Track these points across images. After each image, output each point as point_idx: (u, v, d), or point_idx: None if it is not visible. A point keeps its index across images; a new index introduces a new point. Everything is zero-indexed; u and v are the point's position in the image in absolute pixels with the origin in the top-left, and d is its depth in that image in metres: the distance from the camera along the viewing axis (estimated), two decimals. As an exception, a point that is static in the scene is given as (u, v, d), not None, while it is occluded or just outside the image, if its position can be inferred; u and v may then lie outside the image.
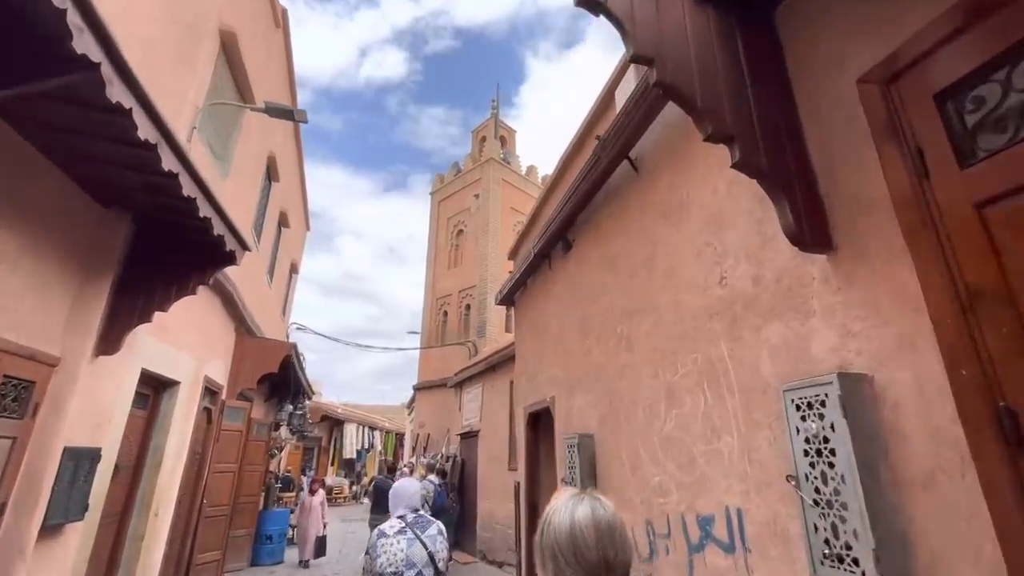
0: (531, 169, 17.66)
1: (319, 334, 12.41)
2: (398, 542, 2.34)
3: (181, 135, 3.99)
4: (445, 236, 16.84)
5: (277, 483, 12.92)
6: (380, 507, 7.74)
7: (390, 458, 29.39)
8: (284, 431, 12.09)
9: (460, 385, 11.71)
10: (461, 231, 16.45)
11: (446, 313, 15.93)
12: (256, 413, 9.12)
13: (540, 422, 4.70)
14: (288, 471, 11.66)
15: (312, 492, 9.09)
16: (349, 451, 22.60)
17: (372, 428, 25.92)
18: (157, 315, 4.25)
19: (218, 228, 3.42)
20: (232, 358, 6.92)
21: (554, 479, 4.62)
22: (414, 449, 15.12)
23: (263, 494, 9.38)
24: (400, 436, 31.51)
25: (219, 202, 3.31)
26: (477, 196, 15.93)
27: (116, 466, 4.14)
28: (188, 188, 2.94)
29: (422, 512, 2.53)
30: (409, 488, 2.58)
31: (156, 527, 4.70)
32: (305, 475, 21.62)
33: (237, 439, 7.18)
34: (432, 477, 9.08)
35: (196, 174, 2.97)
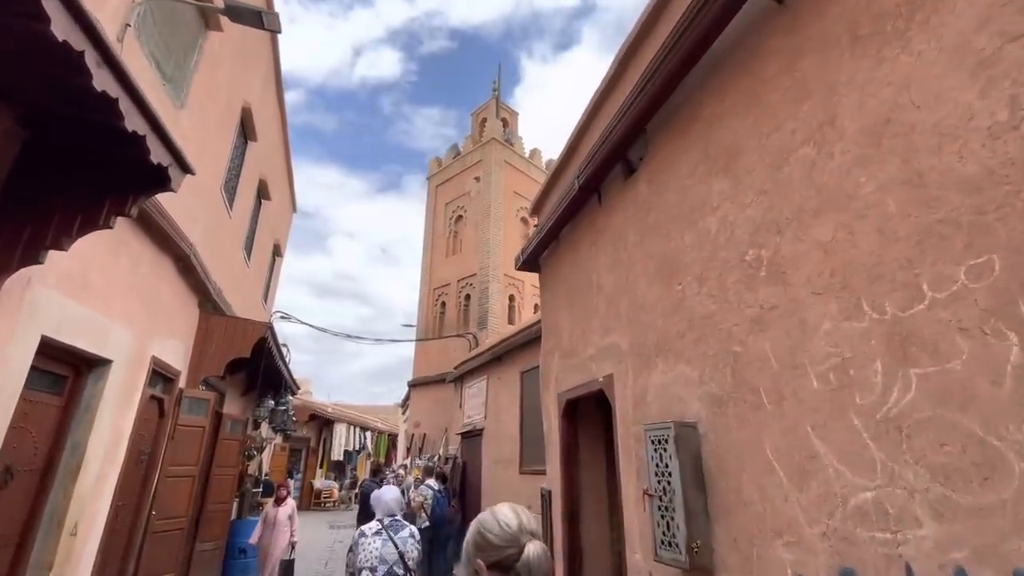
0: (535, 152, 16.60)
1: (305, 323, 11.33)
2: (374, 542, 2.75)
3: (106, 27, 2.89)
4: (443, 223, 15.74)
5: (256, 487, 11.75)
6: (367, 514, 6.76)
7: (382, 460, 28.28)
8: (265, 429, 10.91)
9: (461, 379, 10.60)
10: (460, 217, 15.36)
11: (444, 304, 14.82)
12: (230, 408, 7.98)
13: (579, 411, 3.61)
14: (267, 475, 10.49)
15: (279, 502, 7.37)
16: (338, 452, 21.41)
17: (364, 429, 24.73)
18: (68, 265, 3.13)
19: (135, 124, 2.30)
20: (194, 339, 5.77)
21: (600, 486, 3.53)
22: (408, 450, 13.99)
23: (237, 500, 8.22)
24: (393, 437, 30.32)
25: (143, 96, 2.21)
26: (478, 179, 14.86)
27: (7, 470, 3.01)
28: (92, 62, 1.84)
29: (398, 517, 2.93)
30: (385, 495, 3.00)
31: (73, 549, 3.56)
32: (292, 478, 20.44)
33: (199, 436, 6.03)
34: (431, 482, 7.98)
35: (107, 49, 1.88)
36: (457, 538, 8.27)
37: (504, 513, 1.10)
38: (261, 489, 12.36)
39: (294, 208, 13.04)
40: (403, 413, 18.47)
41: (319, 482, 20.50)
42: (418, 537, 2.87)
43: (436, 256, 15.60)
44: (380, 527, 2.80)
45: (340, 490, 21.70)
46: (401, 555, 2.66)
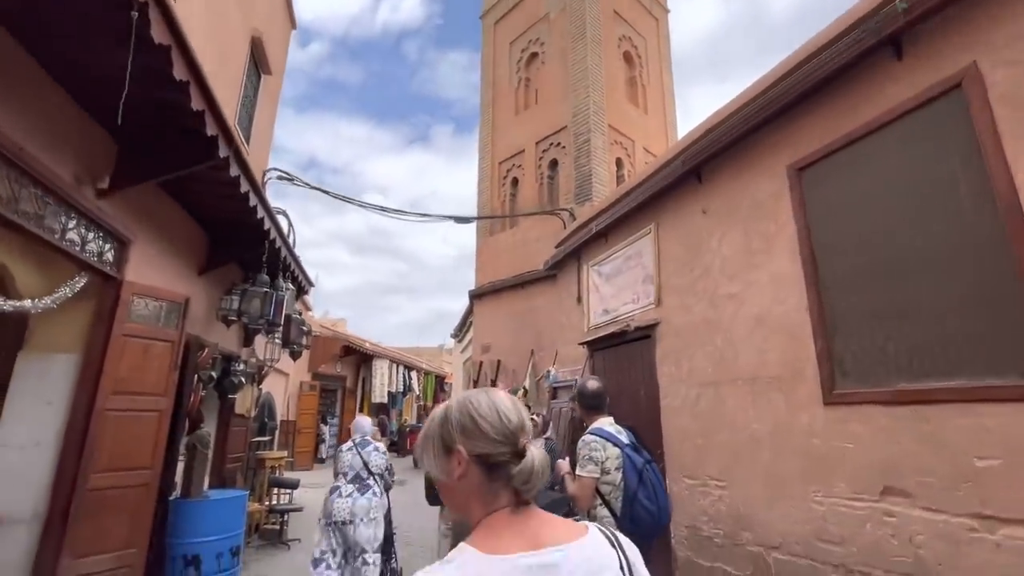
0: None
1: (308, 185, 6.96)
2: (347, 456, 3.85)
3: None
4: (508, 69, 11.07)
5: (263, 435, 7.89)
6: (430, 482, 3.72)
7: (429, 403, 25.07)
8: (263, 347, 6.91)
9: (577, 258, 6.16)
10: (534, 56, 10.65)
11: (516, 181, 10.34)
12: (151, 275, 3.87)
13: None
14: (248, 414, 6.47)
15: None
16: (380, 394, 17.92)
17: (408, 368, 21.21)
18: None
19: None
20: None
21: None
22: (475, 383, 9.94)
23: (184, 461, 4.23)
24: (440, 379, 27.06)
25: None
26: (558, -4, 9.98)
27: None
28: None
29: (367, 438, 4.00)
30: (362, 423, 4.10)
31: None
32: (327, 423, 17.16)
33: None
34: (544, 438, 4.00)
35: None
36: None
37: (504, 403, 0.86)
38: (268, 439, 8.58)
39: (293, 23, 8.56)
40: (458, 341, 14.46)
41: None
42: (382, 450, 3.99)
43: (500, 117, 11.02)
44: (352, 445, 3.91)
45: (383, 436, 18.28)
46: (365, 463, 3.78)
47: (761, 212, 3.50)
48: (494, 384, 9.55)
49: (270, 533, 6.32)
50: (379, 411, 19.42)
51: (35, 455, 3.22)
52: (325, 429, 16.03)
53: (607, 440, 2.53)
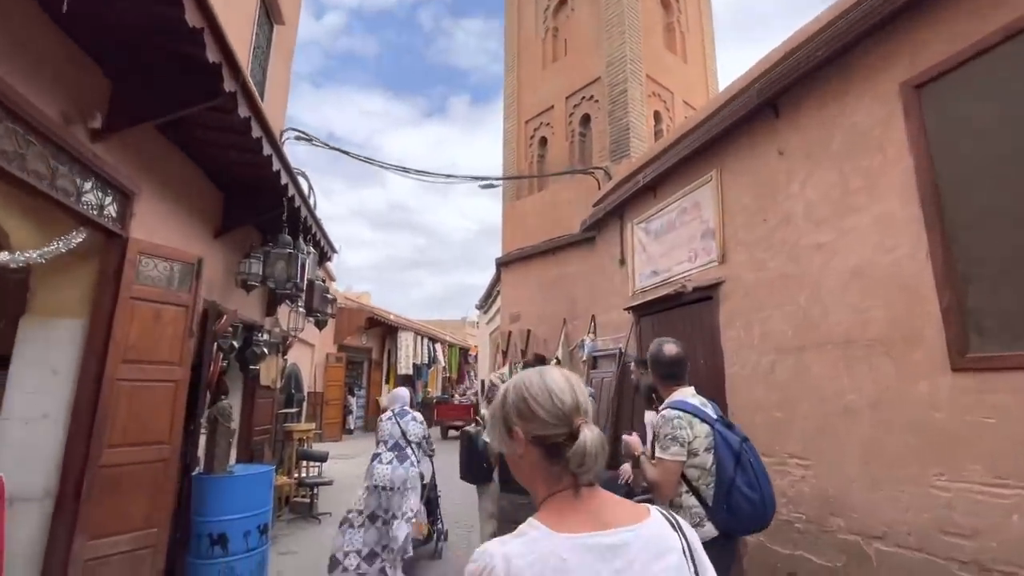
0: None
1: (327, 146, 6.51)
2: (387, 424, 4.11)
3: None
4: (533, 19, 10.30)
5: (290, 407, 7.71)
6: (472, 462, 3.80)
7: (454, 375, 25.04)
8: (288, 316, 6.64)
9: (619, 216, 5.63)
10: (563, 2, 9.85)
11: (544, 141, 9.71)
12: (162, 232, 3.52)
13: None
14: (273, 385, 6.19)
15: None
16: (406, 366, 17.83)
17: (432, 340, 21.07)
18: None
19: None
20: None
21: None
22: (505, 355, 9.59)
23: (206, 434, 3.96)
24: (464, 351, 26.97)
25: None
26: (588, -63, 9.11)
27: None
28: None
29: (406, 408, 4.24)
30: (400, 393, 4.38)
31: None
32: (353, 395, 17.16)
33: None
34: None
35: None
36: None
37: (558, 382, 0.85)
38: (295, 411, 8.41)
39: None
40: (484, 312, 14.12)
41: (386, 400, 16.97)
42: (420, 420, 4.21)
43: (526, 72, 10.32)
44: (392, 414, 4.16)
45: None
46: (403, 432, 4.01)
47: (862, 145, 2.92)
48: (523, 354, 9.19)
49: (300, 507, 6.15)
50: (404, 383, 19.44)
51: (43, 429, 2.94)
52: (352, 401, 16.03)
53: (693, 415, 2.08)
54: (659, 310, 4.70)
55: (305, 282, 5.03)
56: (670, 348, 2.26)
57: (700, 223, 4.23)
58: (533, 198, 9.70)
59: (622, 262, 5.52)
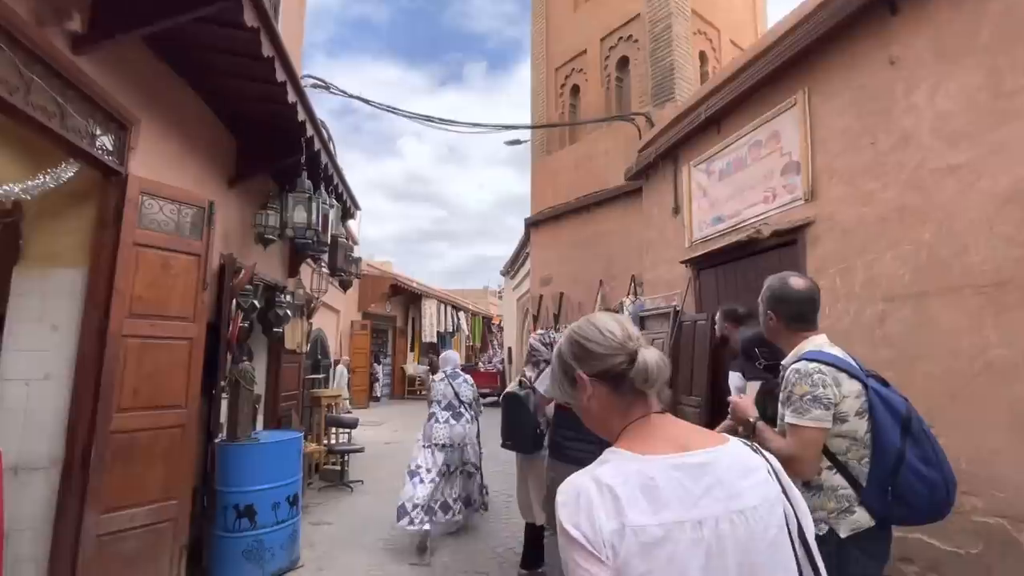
0: None
1: (346, 94, 5.96)
2: (440, 385, 4.22)
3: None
4: (563, -44, 9.42)
5: (318, 372, 7.45)
6: (513, 423, 3.55)
7: (477, 343, 24.90)
8: (310, 278, 6.27)
9: (677, 152, 5.03)
10: (596, -66, 8.96)
11: (576, 89, 8.99)
12: (178, 178, 3.07)
13: None
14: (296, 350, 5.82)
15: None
16: (430, 334, 17.64)
17: (455, 308, 20.82)
18: None
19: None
20: None
21: None
22: (536, 319, 9.16)
23: (227, 398, 3.63)
24: (487, 320, 26.75)
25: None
26: None
27: None
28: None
29: (457, 370, 4.41)
30: (450, 356, 4.59)
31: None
32: (379, 363, 17.07)
33: None
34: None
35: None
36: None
37: (604, 320, 0.91)
38: (322, 376, 8.16)
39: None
40: (510, 278, 13.67)
41: (411, 367, 16.88)
42: (471, 382, 4.38)
43: (556, 15, 9.50)
44: (444, 376, 4.29)
45: (433, 375, 18.15)
46: (455, 393, 4.15)
47: (1020, 34, 2.28)
48: (556, 318, 8.75)
49: (331, 474, 5.92)
50: (429, 351, 19.31)
51: (45, 390, 2.61)
52: (378, 368, 15.94)
53: (837, 368, 1.59)
54: (724, 261, 4.15)
55: (328, 236, 4.60)
56: (799, 282, 1.74)
57: (780, 157, 3.63)
58: (565, 152, 9.05)
59: (676, 211, 4.93)
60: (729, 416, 1.85)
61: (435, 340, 18.26)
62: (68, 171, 2.50)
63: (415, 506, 3.78)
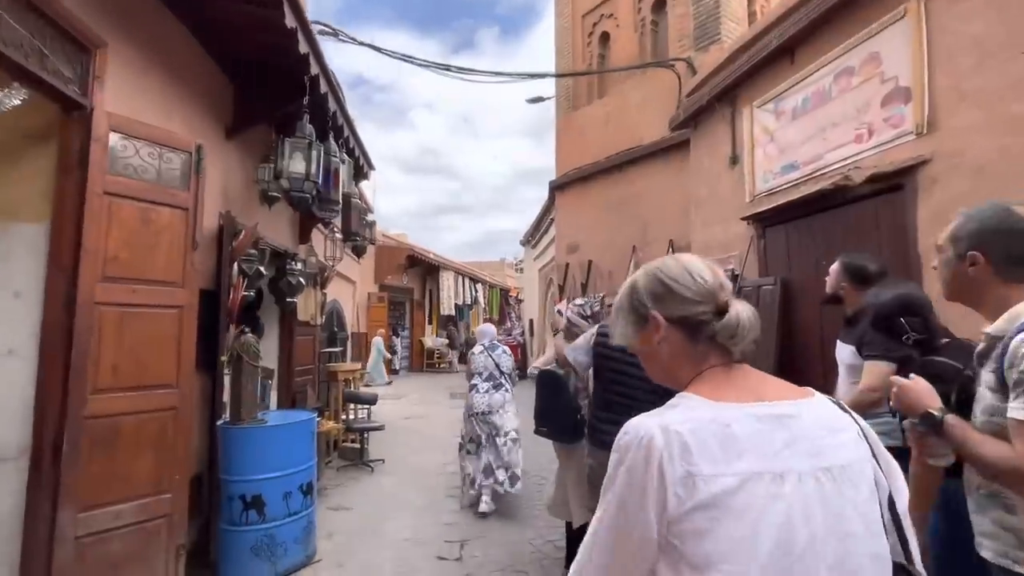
0: None
1: (356, 41, 5.32)
2: (480, 357, 4.33)
3: None
4: None
5: (334, 345, 7.08)
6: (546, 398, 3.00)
7: (495, 316, 24.58)
8: (326, 245, 5.81)
9: (735, 93, 4.37)
10: None
11: (605, 37, 8.20)
12: (165, 120, 2.54)
13: None
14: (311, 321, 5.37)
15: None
16: (448, 306, 17.28)
17: (473, 280, 20.38)
18: None
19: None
20: None
21: None
22: (562, 289, 8.63)
23: (230, 370, 3.19)
24: (504, 292, 26.34)
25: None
26: None
27: None
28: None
29: (495, 341, 4.56)
30: (487, 329, 4.72)
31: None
32: (397, 336, 16.81)
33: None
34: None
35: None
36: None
37: (696, 263, 0.81)
38: (339, 349, 7.79)
39: None
40: (531, 247, 13.10)
41: (430, 340, 16.60)
42: (509, 353, 4.52)
43: (583, -46, 8.65)
44: (483, 348, 4.39)
45: (453, 348, 17.95)
46: (496, 364, 4.29)
47: None
48: (584, 288, 8.21)
49: (350, 452, 5.58)
50: (447, 323, 19.01)
51: (10, 368, 2.19)
52: (396, 341, 15.67)
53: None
54: (798, 216, 3.54)
55: (340, 195, 4.10)
56: None
57: (880, 84, 2.97)
58: (593, 107, 8.33)
59: (734, 161, 4.30)
60: (890, 403, 1.33)
61: (453, 313, 17.91)
62: (14, 97, 2.01)
63: (472, 479, 4.08)
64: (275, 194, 3.76)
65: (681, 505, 0.63)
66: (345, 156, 4.46)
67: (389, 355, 14.51)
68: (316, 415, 3.38)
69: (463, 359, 17.60)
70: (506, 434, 4.12)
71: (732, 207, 4.26)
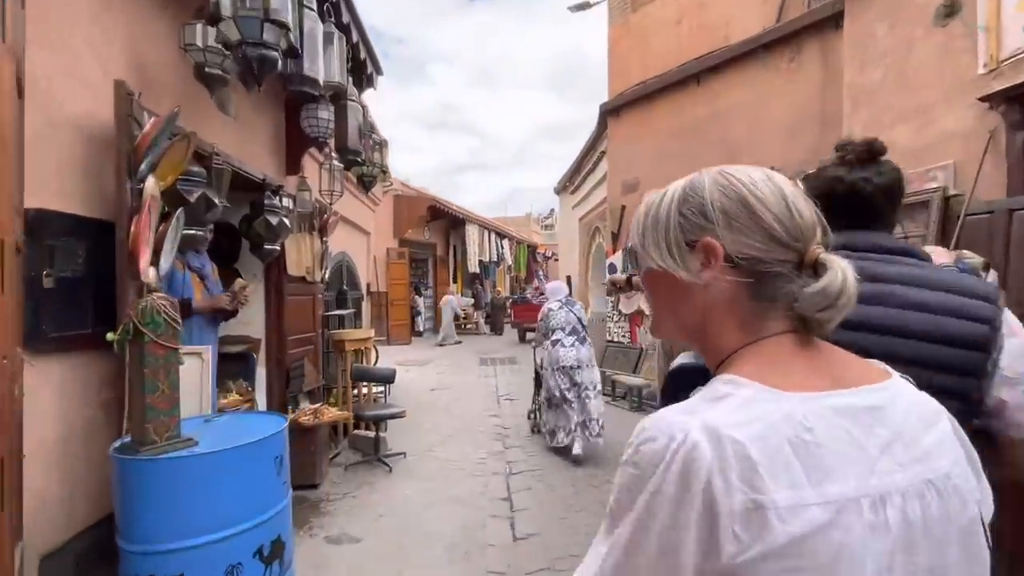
0: None
1: None
2: (560, 312, 4.35)
3: None
4: None
5: (342, 306, 5.84)
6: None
7: (522, 273, 23.25)
8: (325, 175, 4.39)
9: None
10: None
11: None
12: None
13: None
14: (303, 271, 4.01)
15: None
16: (474, 263, 15.93)
17: (499, 235, 18.92)
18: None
19: None
20: None
21: None
22: (616, 237, 7.11)
23: (115, 349, 1.82)
24: (532, 249, 24.86)
25: None
26: None
27: None
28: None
29: (571, 297, 4.63)
30: (559, 286, 4.71)
31: None
32: (420, 295, 15.60)
33: None
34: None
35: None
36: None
37: (792, 190, 0.53)
38: (352, 311, 6.50)
39: None
40: (570, 193, 11.47)
41: (455, 299, 15.32)
42: (583, 308, 4.60)
43: None
44: (561, 303, 4.43)
45: (478, 308, 16.75)
46: (578, 318, 4.36)
47: None
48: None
49: (363, 442, 4.37)
50: (473, 281, 17.71)
51: None
52: (420, 301, 14.48)
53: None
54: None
55: (320, 68, 2.66)
56: None
57: None
58: (660, 4, 6.52)
59: (949, 13, 2.66)
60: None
61: (478, 271, 16.57)
62: None
63: (564, 430, 4.18)
64: (215, 70, 2.32)
65: (742, 552, 0.41)
66: (334, 28, 2.98)
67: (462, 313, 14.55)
68: (286, 420, 2.06)
69: (489, 320, 16.42)
70: (593, 387, 4.27)
71: (942, 87, 2.67)
